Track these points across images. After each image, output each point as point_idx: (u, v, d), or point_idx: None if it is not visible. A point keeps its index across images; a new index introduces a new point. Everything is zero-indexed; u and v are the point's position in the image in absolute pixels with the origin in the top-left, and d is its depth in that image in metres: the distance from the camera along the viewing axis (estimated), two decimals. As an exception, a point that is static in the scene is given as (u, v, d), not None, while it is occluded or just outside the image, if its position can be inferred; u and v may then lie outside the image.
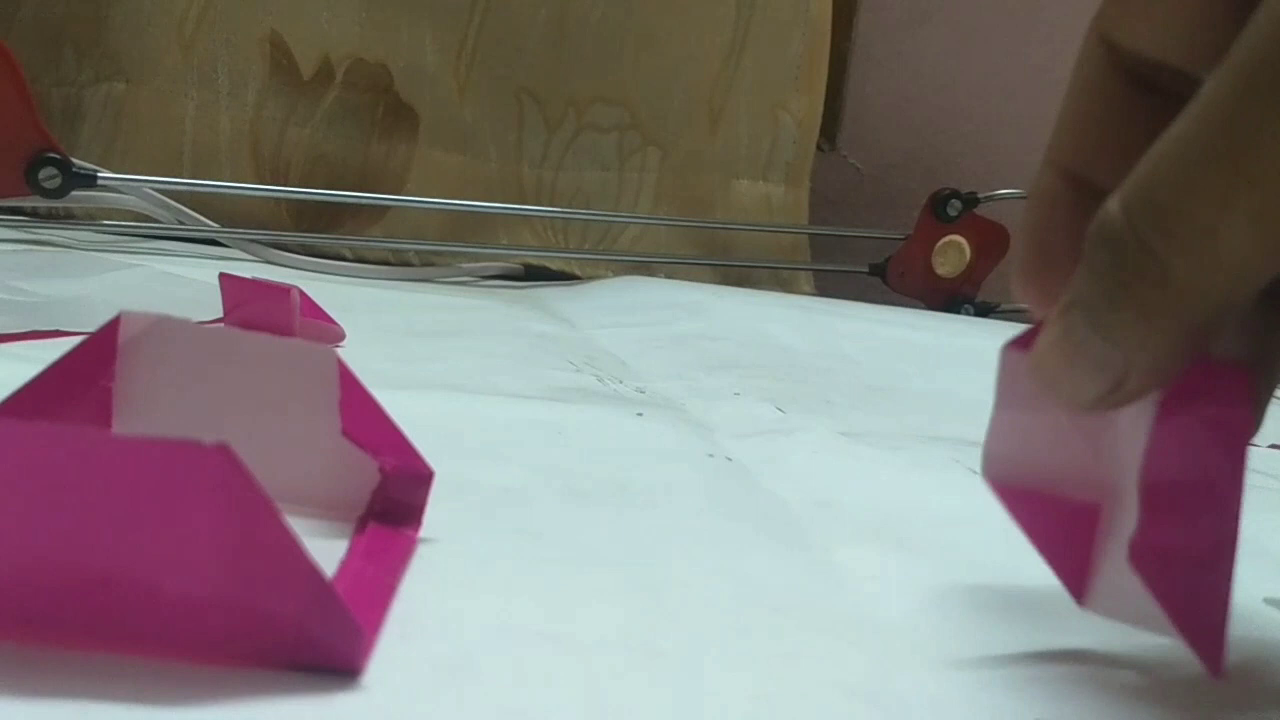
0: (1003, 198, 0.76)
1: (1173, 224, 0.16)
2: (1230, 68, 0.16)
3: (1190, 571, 0.17)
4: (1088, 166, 0.21)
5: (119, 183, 0.63)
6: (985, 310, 0.77)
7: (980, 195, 0.76)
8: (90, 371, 0.22)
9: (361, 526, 0.22)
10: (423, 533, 0.22)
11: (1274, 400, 0.20)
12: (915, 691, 0.19)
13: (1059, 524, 0.20)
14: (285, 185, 0.72)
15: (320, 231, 0.72)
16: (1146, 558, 0.18)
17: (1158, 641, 0.22)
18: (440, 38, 0.74)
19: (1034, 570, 0.26)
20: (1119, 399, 0.18)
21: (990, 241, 0.76)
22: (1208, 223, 0.16)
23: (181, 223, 0.66)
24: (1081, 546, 0.20)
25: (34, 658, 0.16)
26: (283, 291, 0.38)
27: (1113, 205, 0.17)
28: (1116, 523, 0.19)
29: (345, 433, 0.22)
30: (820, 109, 0.81)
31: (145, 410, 0.22)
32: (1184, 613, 0.18)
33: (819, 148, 0.82)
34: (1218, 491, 0.17)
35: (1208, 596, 0.17)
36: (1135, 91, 0.20)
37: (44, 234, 0.64)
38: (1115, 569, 0.19)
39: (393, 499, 0.22)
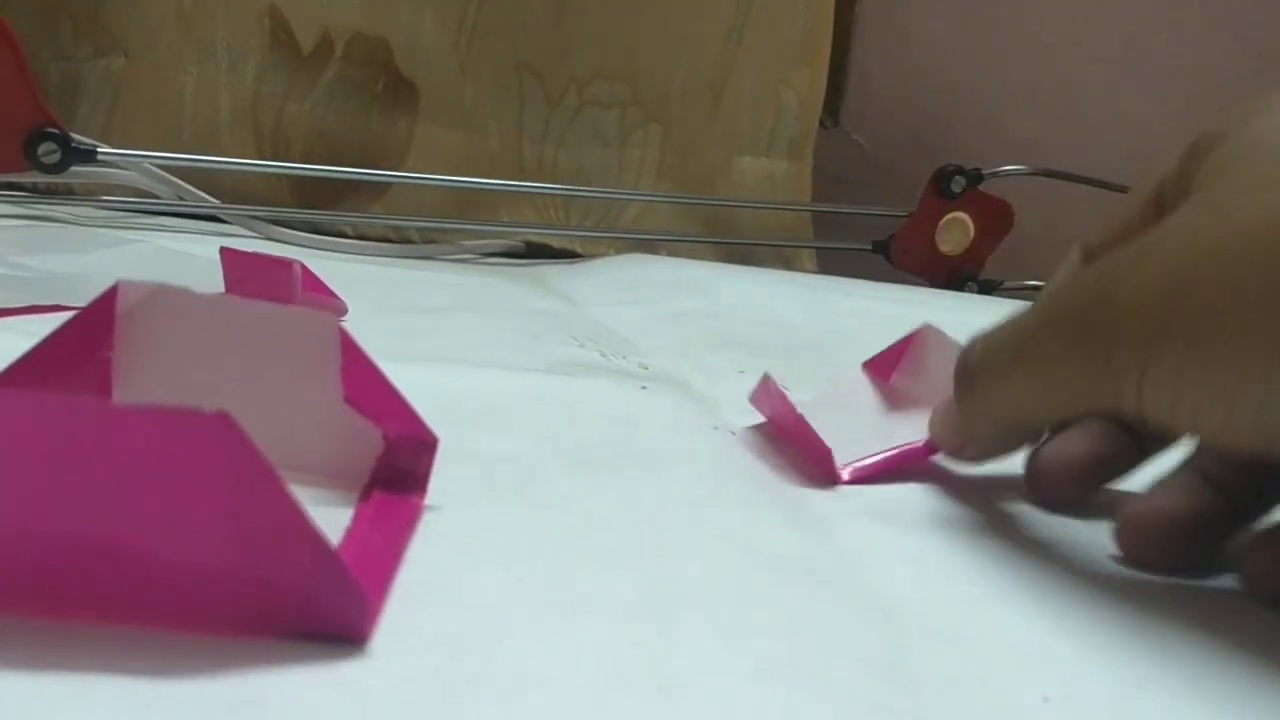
0: (1007, 174, 0.76)
1: (991, 374, 0.26)
2: (1043, 299, 0.26)
3: None
4: None
5: (118, 158, 0.62)
6: (989, 288, 0.76)
7: (984, 171, 0.75)
8: (89, 341, 0.22)
9: (366, 494, 0.22)
10: (428, 500, 0.22)
11: None
12: (927, 667, 0.19)
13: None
14: (286, 161, 0.71)
15: (321, 208, 0.72)
16: None
17: (1166, 623, 0.22)
18: (441, 12, 0.73)
19: (1043, 549, 0.26)
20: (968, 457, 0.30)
21: (994, 218, 0.76)
22: (1004, 382, 0.26)
23: (182, 199, 0.66)
24: None
25: (38, 631, 0.16)
26: (285, 266, 0.37)
27: (977, 345, 0.27)
28: None
29: (348, 400, 0.22)
30: (823, 85, 0.80)
31: (145, 380, 0.22)
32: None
33: (822, 124, 0.82)
34: None
35: None
36: None
37: (44, 209, 0.63)
38: None
39: (397, 466, 0.22)
